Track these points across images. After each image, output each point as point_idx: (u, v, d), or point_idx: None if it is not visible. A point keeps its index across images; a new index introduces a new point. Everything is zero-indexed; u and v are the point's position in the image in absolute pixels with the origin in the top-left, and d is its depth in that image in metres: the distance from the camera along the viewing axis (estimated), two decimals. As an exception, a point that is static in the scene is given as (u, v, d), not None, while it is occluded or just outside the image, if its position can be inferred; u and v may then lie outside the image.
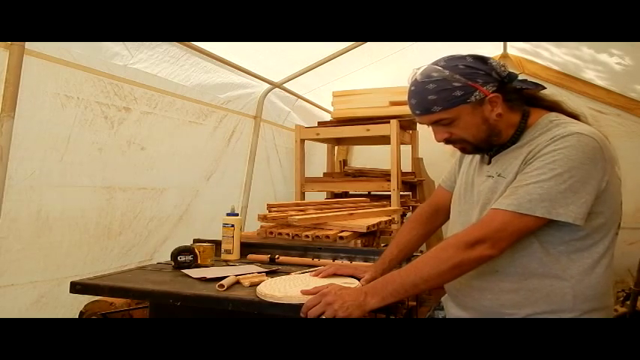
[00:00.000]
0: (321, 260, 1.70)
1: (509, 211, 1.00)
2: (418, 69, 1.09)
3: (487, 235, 1.00)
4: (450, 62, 1.06)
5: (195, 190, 2.64)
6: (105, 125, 1.98)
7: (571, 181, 0.98)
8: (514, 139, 1.12)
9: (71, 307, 1.88)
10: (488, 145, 1.13)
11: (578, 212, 0.98)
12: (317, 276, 1.32)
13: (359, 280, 1.28)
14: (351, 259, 1.71)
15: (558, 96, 1.17)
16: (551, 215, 0.98)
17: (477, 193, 1.17)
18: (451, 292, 1.24)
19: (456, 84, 1.04)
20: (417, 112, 1.09)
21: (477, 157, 1.24)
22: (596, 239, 1.04)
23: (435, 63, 1.08)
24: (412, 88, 1.09)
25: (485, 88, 1.06)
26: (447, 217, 1.34)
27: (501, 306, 1.08)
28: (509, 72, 1.10)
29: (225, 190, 2.93)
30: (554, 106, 1.14)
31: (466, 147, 1.13)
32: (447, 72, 1.05)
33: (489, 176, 1.14)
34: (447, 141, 1.12)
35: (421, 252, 1.57)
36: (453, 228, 1.25)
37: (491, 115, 1.08)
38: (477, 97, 1.05)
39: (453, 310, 1.23)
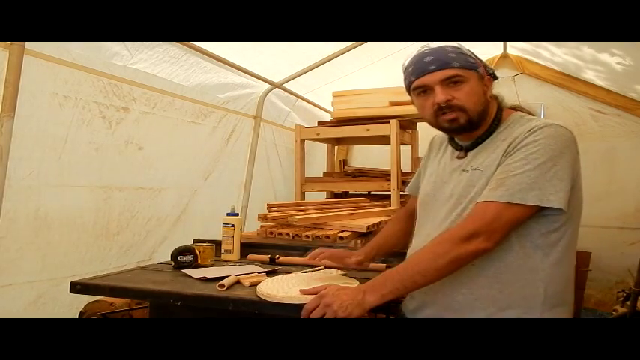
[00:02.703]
0: (322, 260, 1.70)
1: (501, 202, 1.01)
2: (427, 44, 1.16)
3: (481, 228, 1.01)
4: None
5: (193, 190, 2.64)
6: (103, 125, 1.98)
7: (555, 169, 1.01)
8: (490, 130, 1.16)
9: (70, 306, 1.88)
10: (478, 121, 1.14)
11: (566, 198, 1.02)
12: (314, 259, 1.39)
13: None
14: (351, 259, 1.71)
15: (522, 102, 1.27)
16: (543, 203, 1.01)
17: (451, 189, 1.17)
18: (419, 291, 1.18)
19: (470, 54, 1.14)
20: (432, 67, 1.11)
21: (446, 156, 1.25)
22: (567, 231, 1.08)
23: None
24: (427, 51, 1.14)
25: (484, 68, 1.16)
26: None
27: (475, 300, 1.09)
28: (493, 72, 1.20)
29: (223, 190, 2.93)
30: (515, 107, 1.22)
31: (460, 117, 1.12)
32: (460, 45, 1.15)
33: (464, 170, 1.16)
34: (446, 106, 1.11)
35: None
36: (420, 227, 1.26)
37: (486, 93, 1.15)
38: (480, 71, 1.14)
39: (424, 309, 1.18)
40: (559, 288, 1.08)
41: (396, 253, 1.67)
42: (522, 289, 1.06)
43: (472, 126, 1.14)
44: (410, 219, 1.43)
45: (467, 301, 1.10)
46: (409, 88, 1.19)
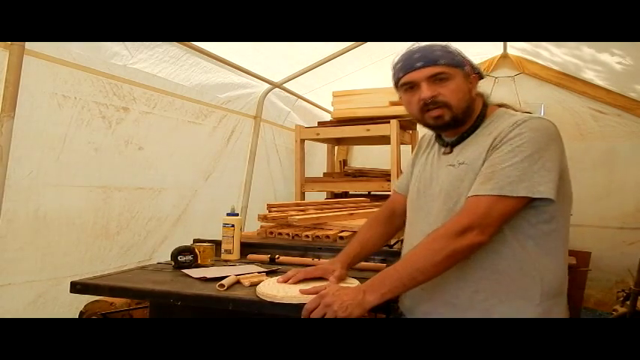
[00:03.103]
0: (321, 260, 1.70)
1: (492, 195, 1.03)
2: (417, 43, 1.19)
3: (475, 221, 1.03)
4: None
5: (193, 190, 2.64)
6: (102, 125, 1.98)
7: (542, 161, 1.03)
8: (475, 125, 1.18)
9: (69, 306, 1.88)
10: (463, 118, 1.16)
11: (555, 188, 1.04)
12: (285, 282, 1.25)
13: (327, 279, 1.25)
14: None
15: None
16: (534, 194, 1.03)
17: (440, 184, 1.19)
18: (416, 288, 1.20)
19: (457, 53, 1.17)
20: (419, 64, 1.14)
21: (433, 153, 1.27)
22: (558, 223, 1.10)
23: None
24: (414, 48, 1.18)
25: (471, 67, 1.19)
26: (403, 220, 1.36)
27: (474, 292, 1.10)
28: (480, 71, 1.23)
29: (223, 190, 2.93)
30: (500, 104, 1.24)
31: (444, 114, 1.14)
32: (448, 44, 1.18)
33: (450, 165, 1.17)
34: (431, 102, 1.14)
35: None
36: (412, 224, 1.27)
37: (472, 91, 1.18)
38: (467, 70, 1.17)
39: (421, 307, 1.19)
40: (556, 279, 1.10)
41: (395, 253, 1.67)
42: (520, 279, 1.08)
43: (457, 122, 1.16)
44: (390, 219, 1.44)
45: (466, 295, 1.11)
46: (397, 84, 1.21)
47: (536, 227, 1.08)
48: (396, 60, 1.21)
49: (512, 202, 1.03)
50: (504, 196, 1.02)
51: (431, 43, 1.17)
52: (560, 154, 1.07)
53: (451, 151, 1.20)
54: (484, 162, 1.09)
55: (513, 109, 1.21)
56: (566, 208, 1.12)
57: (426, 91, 1.13)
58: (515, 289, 1.08)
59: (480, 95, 1.22)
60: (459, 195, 1.11)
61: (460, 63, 1.15)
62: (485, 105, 1.20)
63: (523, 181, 1.02)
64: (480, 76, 1.22)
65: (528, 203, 1.05)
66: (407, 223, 1.31)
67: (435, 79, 1.13)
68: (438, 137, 1.27)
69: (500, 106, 1.23)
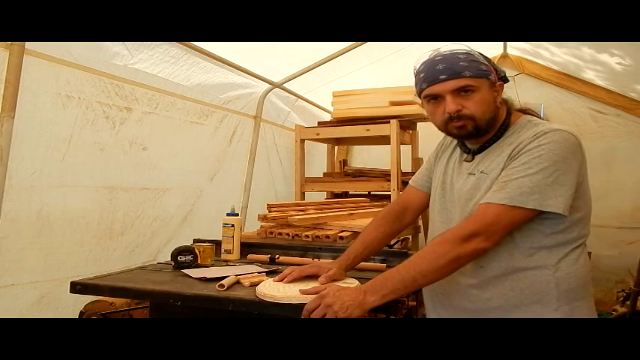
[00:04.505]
0: (321, 260, 1.70)
1: (501, 204, 1.04)
2: (439, 48, 1.15)
3: (481, 228, 1.03)
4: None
5: (199, 190, 2.64)
6: (106, 125, 1.98)
7: (557, 174, 1.03)
8: (498, 134, 1.17)
9: (73, 307, 1.88)
10: (486, 128, 1.15)
11: (566, 203, 1.04)
12: (281, 281, 1.26)
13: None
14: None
15: (523, 103, 1.26)
16: (542, 207, 1.03)
17: (458, 191, 1.20)
18: (435, 293, 1.25)
19: (481, 60, 1.14)
20: (444, 76, 1.10)
21: (455, 157, 1.27)
22: (575, 233, 1.10)
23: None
24: (438, 58, 1.13)
25: (495, 75, 1.16)
26: (415, 217, 1.39)
27: (488, 300, 1.11)
28: (505, 74, 1.20)
29: (229, 190, 2.93)
30: (524, 110, 1.22)
31: (467, 125, 1.12)
32: (472, 51, 1.14)
33: (471, 174, 1.18)
34: (456, 116, 1.12)
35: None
36: (433, 227, 1.28)
37: (497, 99, 1.15)
38: (492, 78, 1.14)
39: (439, 311, 1.24)
40: (574, 284, 1.10)
41: (395, 254, 1.67)
42: (533, 285, 1.08)
43: (480, 132, 1.15)
44: (400, 216, 1.42)
45: (480, 301, 1.12)
46: (420, 94, 1.19)
47: (551, 237, 1.08)
48: (418, 68, 1.17)
49: (521, 212, 1.03)
50: (514, 206, 1.03)
51: (454, 50, 1.13)
52: (578, 167, 1.07)
53: (473, 159, 1.20)
54: (502, 171, 1.09)
55: (537, 116, 1.20)
56: (584, 218, 1.13)
57: (451, 105, 1.11)
58: (530, 296, 1.08)
59: (504, 102, 1.20)
60: (475, 203, 1.12)
61: (485, 72, 1.12)
62: (509, 112, 1.19)
63: (534, 193, 1.02)
64: (505, 81, 1.19)
65: (540, 215, 1.05)
66: (430, 226, 1.31)
67: (460, 90, 1.11)
68: (461, 143, 1.26)
69: (524, 111, 1.21)
